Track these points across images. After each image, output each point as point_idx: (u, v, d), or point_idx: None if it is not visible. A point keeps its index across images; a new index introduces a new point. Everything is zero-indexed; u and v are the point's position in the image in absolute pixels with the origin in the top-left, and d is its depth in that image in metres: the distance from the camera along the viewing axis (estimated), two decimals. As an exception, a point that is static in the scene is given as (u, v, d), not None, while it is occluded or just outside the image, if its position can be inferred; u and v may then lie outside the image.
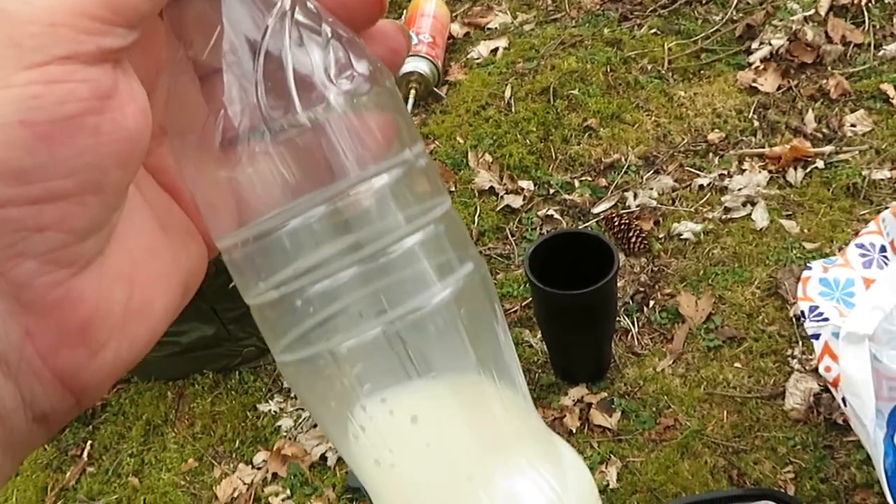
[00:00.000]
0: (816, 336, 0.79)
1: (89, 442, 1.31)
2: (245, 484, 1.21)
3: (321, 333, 0.25)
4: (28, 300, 0.22)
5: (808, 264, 0.84)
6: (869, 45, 1.63)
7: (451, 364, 0.26)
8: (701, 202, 1.43)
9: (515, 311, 1.33)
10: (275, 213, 0.24)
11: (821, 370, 0.78)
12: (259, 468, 1.22)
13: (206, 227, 0.27)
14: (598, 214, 1.45)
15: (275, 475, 1.21)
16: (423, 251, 0.25)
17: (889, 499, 0.73)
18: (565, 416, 1.18)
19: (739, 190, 1.43)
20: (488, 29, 1.90)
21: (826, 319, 0.78)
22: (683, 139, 1.56)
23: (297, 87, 0.24)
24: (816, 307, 0.80)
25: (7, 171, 0.20)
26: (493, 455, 0.27)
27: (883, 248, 0.82)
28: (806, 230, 1.34)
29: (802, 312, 0.80)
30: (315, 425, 1.24)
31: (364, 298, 0.25)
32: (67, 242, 0.22)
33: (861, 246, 0.83)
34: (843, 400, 0.77)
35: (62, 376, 0.23)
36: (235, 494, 1.20)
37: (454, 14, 1.92)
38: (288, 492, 1.18)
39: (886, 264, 0.81)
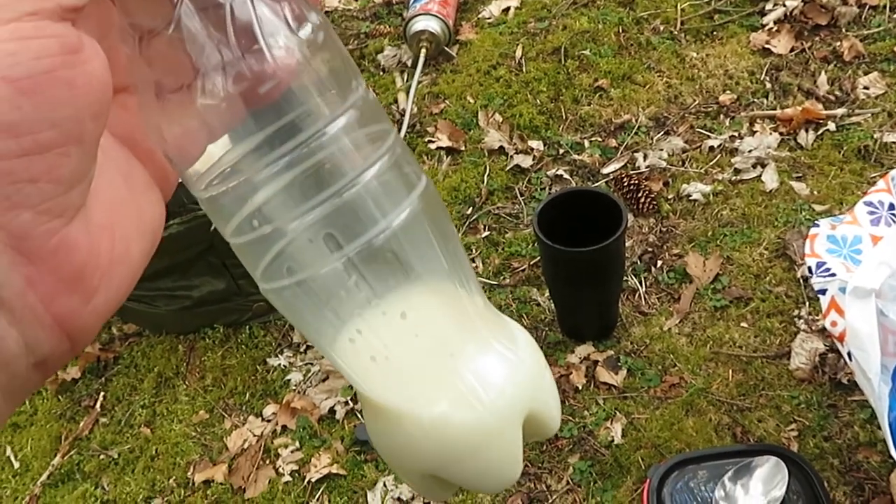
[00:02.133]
0: (823, 291, 0.80)
1: (102, 393, 1.33)
2: (255, 436, 1.22)
3: (312, 257, 0.29)
4: (28, 249, 0.23)
5: (815, 222, 0.84)
6: (884, 7, 1.61)
7: (427, 268, 0.31)
8: (711, 163, 1.43)
9: (524, 270, 1.34)
10: (251, 155, 0.28)
11: (827, 325, 0.79)
12: (268, 421, 1.24)
13: (162, 177, 0.30)
14: (607, 175, 1.45)
15: (284, 427, 1.23)
16: (389, 174, 0.29)
17: (892, 451, 0.74)
18: (571, 373, 1.19)
19: (750, 151, 1.42)
20: (500, -12, 1.89)
21: (833, 275, 0.79)
22: (694, 100, 1.55)
23: (267, 42, 0.26)
24: (823, 263, 0.80)
25: None
26: (467, 335, 0.33)
27: (892, 206, 0.82)
28: (816, 192, 1.34)
29: (809, 268, 0.80)
30: (324, 379, 1.26)
31: (346, 223, 0.29)
32: (57, 192, 0.23)
33: (869, 204, 0.83)
34: (849, 354, 0.78)
35: (61, 321, 0.24)
36: (245, 446, 1.21)
37: (466, -27, 1.91)
38: (297, 444, 1.20)
39: (894, 222, 0.81)
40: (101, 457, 1.25)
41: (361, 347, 0.31)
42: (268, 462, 1.19)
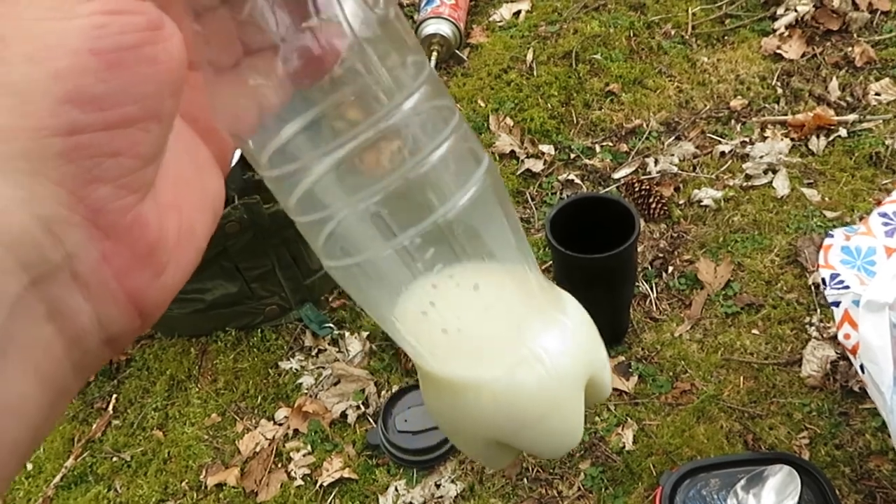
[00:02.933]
0: (837, 303, 0.80)
1: (114, 396, 1.34)
2: (267, 439, 1.23)
3: (392, 232, 0.29)
4: (105, 224, 0.23)
5: (829, 232, 0.84)
6: (896, 12, 1.61)
7: (495, 243, 0.32)
8: (722, 169, 1.43)
9: (535, 275, 1.34)
10: (316, 134, 0.28)
11: (840, 337, 0.79)
12: (280, 424, 1.25)
13: (222, 156, 0.30)
14: (618, 180, 1.46)
15: (296, 431, 1.23)
16: (459, 150, 0.30)
17: (904, 464, 0.74)
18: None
19: (761, 157, 1.42)
20: (511, -9, 1.89)
21: (847, 287, 0.79)
22: (706, 105, 1.55)
23: (338, 14, 0.26)
24: (837, 275, 0.80)
25: (83, 96, 0.22)
26: (532, 307, 0.34)
27: (906, 218, 0.82)
28: (827, 199, 1.34)
29: (823, 280, 0.81)
30: (336, 383, 1.26)
31: (418, 200, 0.29)
32: (135, 167, 0.23)
33: (884, 215, 0.83)
34: (861, 367, 0.78)
35: (133, 297, 0.25)
36: (257, 449, 1.22)
37: (477, -24, 1.91)
38: (309, 447, 1.21)
39: (909, 234, 0.81)
40: (114, 459, 1.26)
41: (434, 320, 0.32)
42: (280, 466, 1.20)
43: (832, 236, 0.85)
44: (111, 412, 1.32)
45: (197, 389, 1.31)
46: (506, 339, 0.33)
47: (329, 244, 0.30)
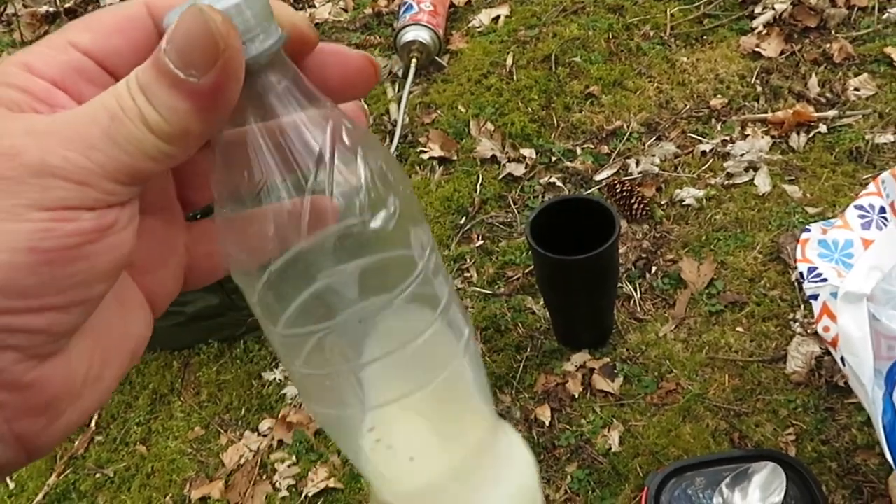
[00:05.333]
0: (815, 297, 0.80)
1: (97, 411, 1.32)
2: (251, 451, 1.22)
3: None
4: (4, 381, 0.24)
5: (806, 226, 0.84)
6: (873, 8, 1.62)
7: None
8: (703, 168, 1.43)
9: (518, 279, 1.33)
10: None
11: (819, 330, 0.78)
12: (265, 435, 1.24)
13: (154, 298, 0.30)
14: (600, 182, 1.45)
15: (280, 442, 1.22)
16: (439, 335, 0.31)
17: (888, 455, 0.74)
18: (568, 381, 1.19)
19: (742, 155, 1.42)
20: (490, -3, 1.89)
21: (825, 280, 0.78)
22: (686, 105, 1.55)
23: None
24: (815, 268, 0.80)
25: (11, 288, 0.23)
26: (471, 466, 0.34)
27: (882, 210, 0.82)
28: (809, 195, 1.34)
29: (801, 274, 0.80)
30: (320, 393, 1.25)
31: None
32: (47, 342, 0.24)
33: (860, 207, 0.83)
34: (842, 360, 0.77)
35: (21, 439, 0.25)
36: (242, 461, 1.21)
37: (455, -18, 1.91)
38: (294, 458, 1.19)
39: (885, 225, 0.81)
40: (97, 475, 1.24)
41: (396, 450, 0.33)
42: (264, 477, 1.19)
43: (809, 230, 0.84)
44: (94, 428, 1.31)
45: (180, 403, 1.30)
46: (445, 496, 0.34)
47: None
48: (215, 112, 0.24)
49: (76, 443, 1.29)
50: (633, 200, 1.37)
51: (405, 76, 1.71)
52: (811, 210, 1.31)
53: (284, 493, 1.16)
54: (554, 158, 1.51)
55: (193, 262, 0.32)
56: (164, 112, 0.24)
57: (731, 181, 1.40)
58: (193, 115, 0.24)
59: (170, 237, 0.31)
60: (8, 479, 1.28)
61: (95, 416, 1.32)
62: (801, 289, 1.20)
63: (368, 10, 1.98)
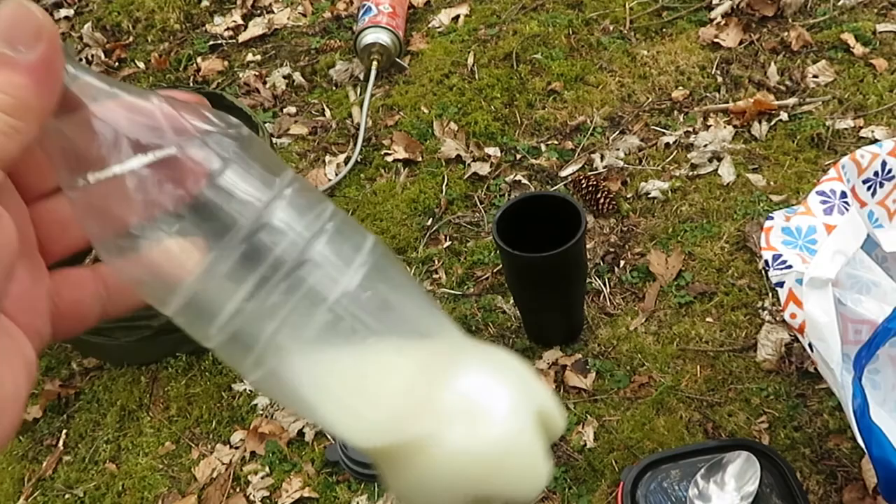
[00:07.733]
0: (781, 284, 0.80)
1: (64, 431, 1.30)
2: (223, 464, 1.20)
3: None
4: None
5: (769, 214, 0.84)
6: (828, -5, 1.63)
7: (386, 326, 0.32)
8: (667, 160, 1.43)
9: (487, 279, 1.33)
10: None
11: (786, 317, 0.78)
12: (237, 447, 1.22)
13: (34, 333, 0.30)
14: (565, 178, 1.45)
15: (253, 454, 1.20)
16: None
17: (859, 439, 0.74)
18: (540, 379, 1.18)
19: (705, 146, 1.43)
20: (449, -4, 1.88)
21: (790, 267, 0.78)
22: (648, 98, 1.55)
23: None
24: (780, 256, 0.80)
25: None
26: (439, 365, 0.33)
27: (843, 195, 0.82)
28: (772, 183, 1.35)
29: (766, 262, 0.80)
30: (291, 402, 1.24)
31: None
32: None
33: (822, 193, 0.83)
34: (810, 346, 0.77)
35: None
36: (214, 475, 1.19)
37: (414, -17, 1.90)
38: (267, 469, 1.18)
39: (847, 210, 0.81)
40: (67, 496, 1.22)
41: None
42: (238, 490, 1.17)
43: (772, 218, 0.84)
44: (62, 448, 1.28)
45: (149, 418, 1.28)
46: (426, 402, 0.32)
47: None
48: (49, 84, 0.27)
49: (44, 464, 1.26)
50: (599, 195, 1.37)
51: (366, 79, 1.70)
52: (775, 198, 1.32)
53: (259, 505, 1.14)
54: (519, 156, 1.51)
55: (59, 310, 0.32)
56: (6, 89, 0.26)
57: (695, 172, 1.40)
58: (31, 90, 0.26)
59: (34, 285, 0.31)
60: (-25, 505, 1.25)
61: (63, 436, 1.29)
62: (767, 277, 1.21)
63: (327, 14, 1.96)
